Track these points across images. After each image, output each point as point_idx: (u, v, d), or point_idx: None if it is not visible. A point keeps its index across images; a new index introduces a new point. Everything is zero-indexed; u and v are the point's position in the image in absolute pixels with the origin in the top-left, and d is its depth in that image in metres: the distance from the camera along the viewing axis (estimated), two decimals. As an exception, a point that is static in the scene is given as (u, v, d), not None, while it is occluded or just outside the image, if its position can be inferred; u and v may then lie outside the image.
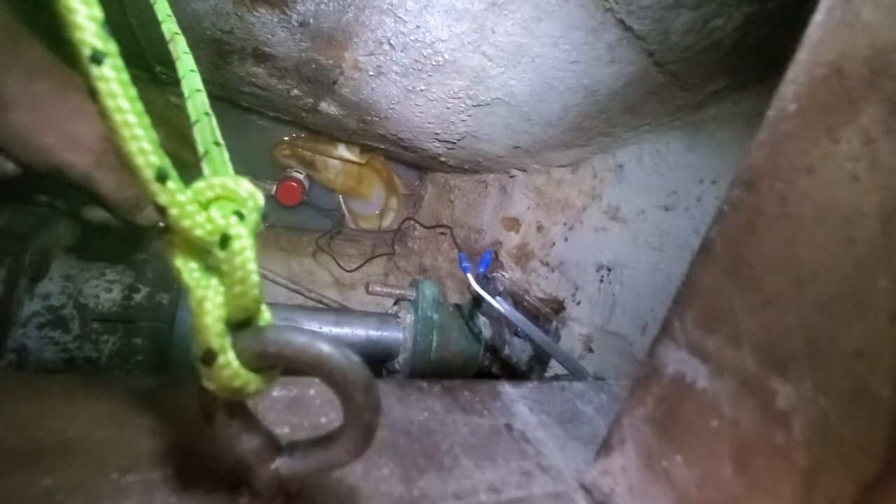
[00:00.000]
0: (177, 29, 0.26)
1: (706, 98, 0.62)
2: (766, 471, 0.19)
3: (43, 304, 0.50)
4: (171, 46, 0.25)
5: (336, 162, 1.11)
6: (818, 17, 0.20)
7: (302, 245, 1.12)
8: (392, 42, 0.63)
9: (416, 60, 0.65)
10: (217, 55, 0.72)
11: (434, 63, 0.65)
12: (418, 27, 0.59)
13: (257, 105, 0.93)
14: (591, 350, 0.70)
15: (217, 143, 0.19)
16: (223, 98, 0.91)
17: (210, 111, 0.21)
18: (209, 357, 0.17)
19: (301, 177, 1.08)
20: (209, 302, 0.16)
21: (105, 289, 0.53)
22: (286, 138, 1.07)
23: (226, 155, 0.19)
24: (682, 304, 0.23)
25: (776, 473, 0.19)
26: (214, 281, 0.17)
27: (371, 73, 0.70)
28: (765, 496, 0.19)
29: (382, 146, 1.02)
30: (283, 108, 0.92)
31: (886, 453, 0.17)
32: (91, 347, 0.53)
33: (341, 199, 1.18)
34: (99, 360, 0.53)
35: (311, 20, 0.62)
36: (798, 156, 0.20)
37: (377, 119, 0.84)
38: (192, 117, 0.21)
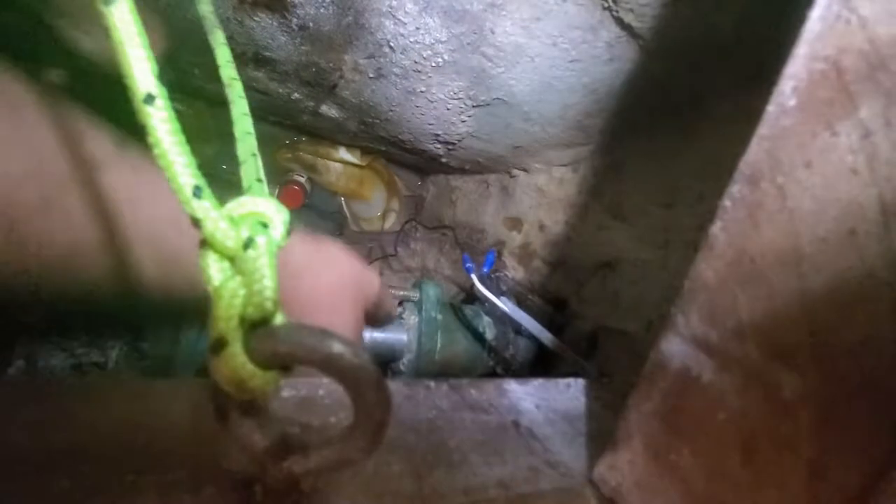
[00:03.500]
0: (235, 75, 0.29)
1: (707, 95, 0.62)
2: (773, 462, 0.19)
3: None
4: (227, 90, 0.28)
5: (337, 165, 1.11)
6: (815, 13, 0.20)
7: (304, 248, 1.12)
8: (392, 44, 0.63)
9: (415, 62, 0.66)
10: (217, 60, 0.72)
11: (434, 64, 0.65)
12: (418, 29, 0.60)
13: (258, 109, 0.93)
14: (595, 348, 0.70)
15: (259, 180, 0.22)
16: (224, 103, 0.92)
17: (257, 152, 0.24)
18: (219, 345, 0.17)
19: (302, 180, 1.08)
20: (226, 296, 0.17)
21: (112, 294, 0.54)
22: (287, 142, 1.08)
23: (265, 188, 0.22)
24: (686, 299, 0.23)
25: (783, 464, 0.19)
26: (235, 282, 0.18)
27: (371, 75, 0.71)
28: (772, 487, 0.19)
29: (383, 148, 1.03)
30: (283, 112, 0.92)
31: (892, 443, 0.17)
32: (98, 353, 0.53)
33: (343, 202, 1.18)
34: (106, 365, 0.53)
35: (311, 24, 0.62)
36: (798, 150, 0.20)
37: (378, 121, 0.85)
38: (241, 158, 0.24)
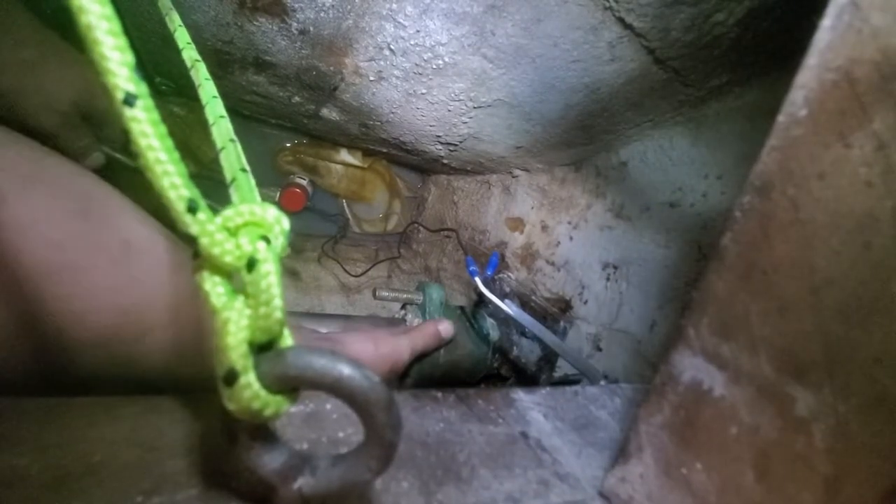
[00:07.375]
0: (197, 56, 0.27)
1: (708, 93, 0.61)
2: (787, 478, 0.19)
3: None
4: (192, 73, 0.26)
5: (339, 167, 1.11)
6: (827, 23, 0.19)
7: (307, 251, 1.12)
8: (392, 47, 0.63)
9: (416, 64, 0.65)
10: (218, 65, 0.72)
11: (434, 67, 0.65)
12: (418, 31, 0.59)
13: (259, 113, 0.93)
14: (599, 349, 0.70)
15: (243, 170, 0.20)
16: (225, 107, 0.92)
17: (235, 138, 0.22)
18: (231, 377, 0.17)
19: (304, 183, 1.08)
20: (233, 323, 0.17)
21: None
22: (288, 145, 1.07)
23: (252, 181, 0.20)
24: (697, 311, 0.23)
25: (797, 480, 0.19)
26: (239, 303, 0.17)
27: (372, 78, 0.70)
28: (786, 503, 0.19)
29: (385, 150, 1.02)
30: (284, 115, 0.92)
31: (908, 459, 0.17)
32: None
33: (345, 204, 1.18)
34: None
35: (311, 28, 0.62)
36: (810, 161, 0.20)
37: (379, 123, 0.84)
38: (218, 144, 0.21)
